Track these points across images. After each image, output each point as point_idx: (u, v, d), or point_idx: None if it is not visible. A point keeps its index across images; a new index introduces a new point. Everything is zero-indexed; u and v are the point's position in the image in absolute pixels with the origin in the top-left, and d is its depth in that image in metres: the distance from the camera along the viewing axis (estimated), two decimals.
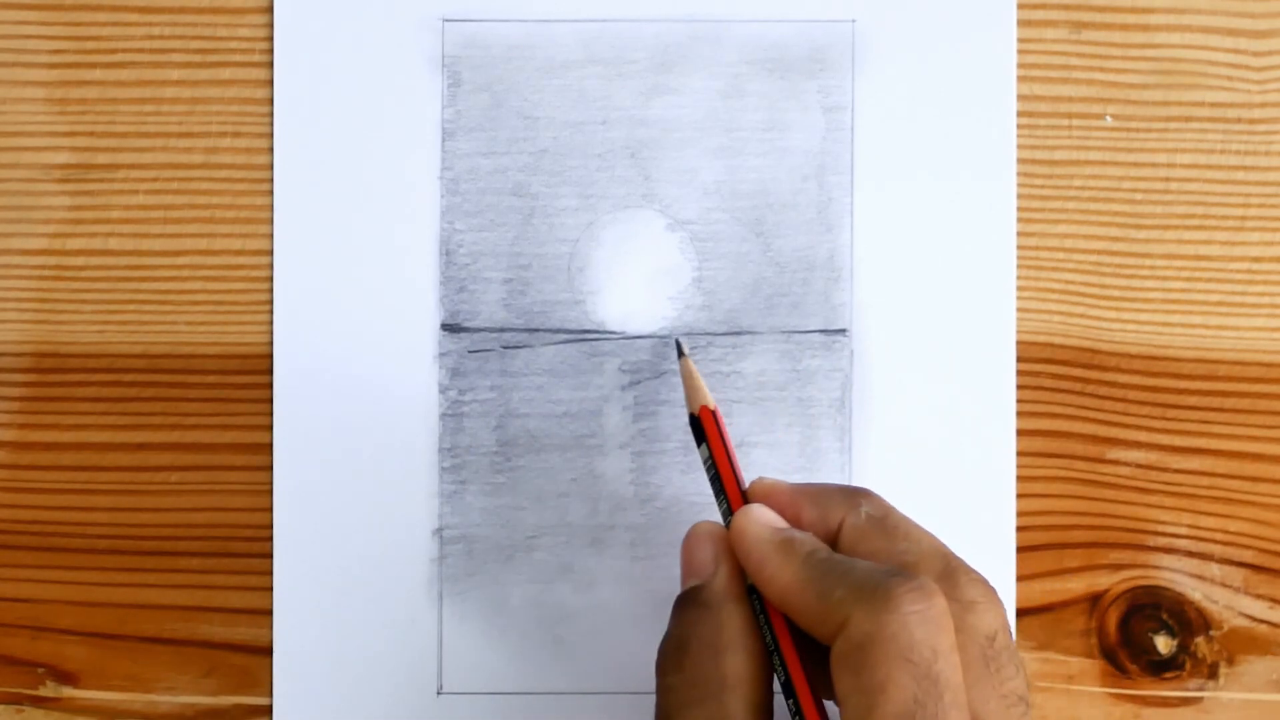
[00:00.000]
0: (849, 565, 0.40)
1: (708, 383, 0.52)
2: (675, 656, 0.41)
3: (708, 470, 0.45)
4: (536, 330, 0.52)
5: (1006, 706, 0.40)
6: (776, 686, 0.42)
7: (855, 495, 0.44)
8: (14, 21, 0.52)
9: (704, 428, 0.46)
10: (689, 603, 0.42)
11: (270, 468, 0.52)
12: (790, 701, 0.41)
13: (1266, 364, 0.52)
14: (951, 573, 0.41)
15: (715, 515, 0.52)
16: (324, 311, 0.52)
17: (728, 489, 0.45)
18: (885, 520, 0.43)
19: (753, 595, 0.42)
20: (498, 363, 0.52)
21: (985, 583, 0.41)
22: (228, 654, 0.52)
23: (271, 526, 0.52)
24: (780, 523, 0.43)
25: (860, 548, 0.42)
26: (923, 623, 0.38)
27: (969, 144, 0.52)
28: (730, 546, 0.43)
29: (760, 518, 0.42)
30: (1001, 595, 0.51)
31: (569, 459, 0.52)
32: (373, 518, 0.52)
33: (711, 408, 0.46)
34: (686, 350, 0.48)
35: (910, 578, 0.39)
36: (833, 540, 0.43)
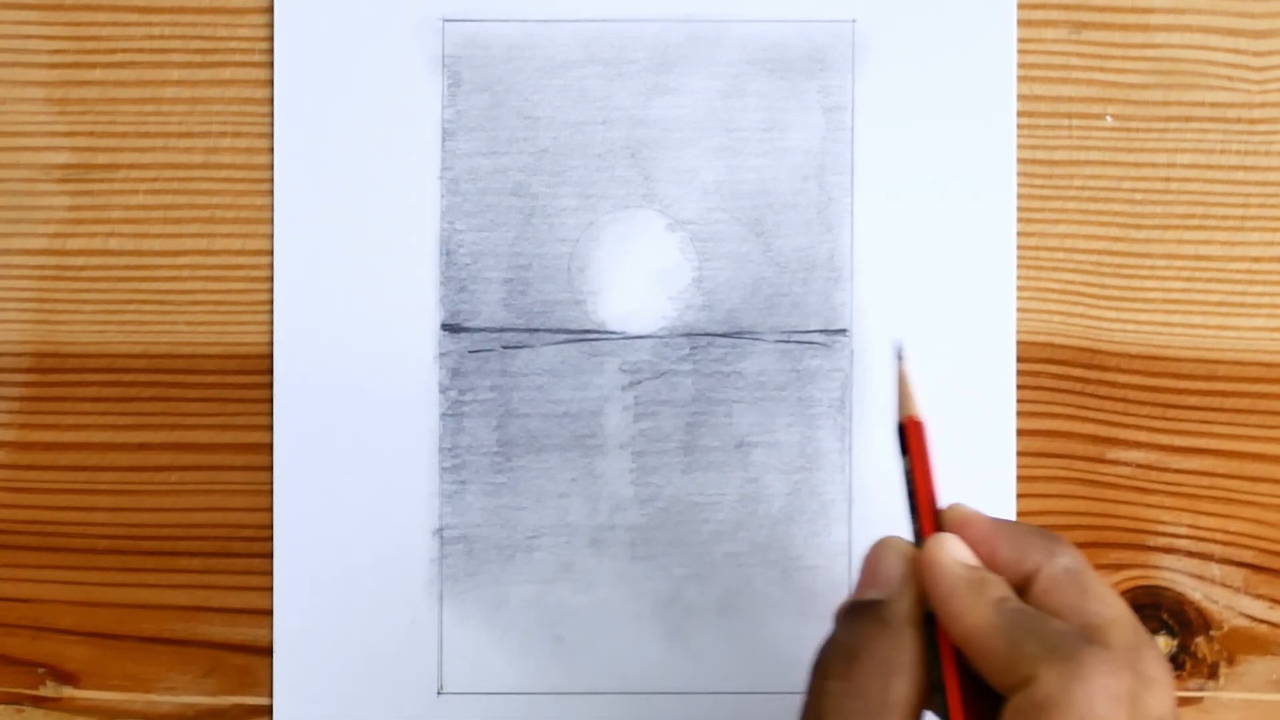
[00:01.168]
0: (1043, 620, 0.40)
1: (709, 383, 0.52)
2: (843, 664, 0.41)
3: (906, 483, 0.44)
4: (537, 330, 0.52)
5: None
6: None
7: (1053, 543, 0.43)
8: (14, 21, 0.52)
9: (908, 439, 0.44)
10: (867, 615, 0.41)
11: (270, 468, 0.52)
12: None
13: (1266, 364, 0.52)
14: (1138, 646, 0.40)
15: (722, 518, 0.52)
16: (324, 311, 0.52)
17: (923, 509, 0.43)
18: (1081, 576, 0.42)
19: (929, 626, 0.42)
20: (498, 363, 0.52)
21: (1165, 660, 0.41)
22: (228, 654, 0.52)
23: (271, 526, 0.52)
24: (973, 559, 0.42)
25: (1051, 599, 0.41)
26: (1109, 699, 0.38)
27: (969, 144, 0.52)
28: (917, 569, 0.42)
29: (953, 550, 0.42)
30: None
31: (569, 459, 0.52)
32: (373, 518, 0.52)
33: (919, 419, 0.44)
34: (905, 355, 0.47)
35: (1105, 648, 0.39)
36: (1023, 584, 0.42)
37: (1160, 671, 0.40)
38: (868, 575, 0.42)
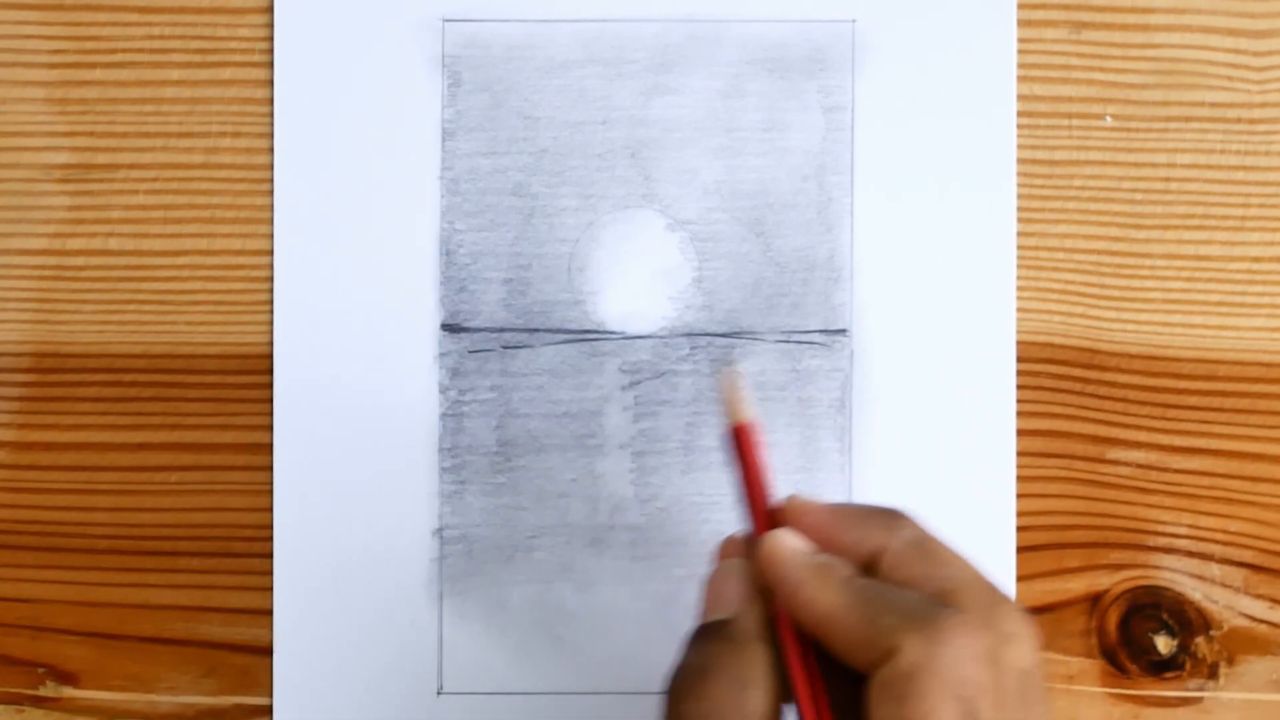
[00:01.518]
0: (896, 593, 0.40)
1: (709, 383, 0.52)
2: (696, 685, 0.40)
3: (737, 488, 0.44)
4: (536, 330, 0.52)
5: None
6: None
7: (893, 518, 0.42)
8: (14, 21, 0.52)
9: (740, 444, 0.43)
10: (714, 636, 0.41)
11: (270, 468, 0.52)
12: None
13: (1266, 364, 0.52)
14: (994, 604, 0.40)
15: (721, 518, 0.52)
16: (324, 311, 0.52)
17: (756, 511, 0.43)
18: (925, 545, 0.42)
19: (774, 630, 0.41)
20: (498, 363, 0.52)
21: (1023, 614, 0.41)
22: (228, 654, 0.52)
23: (271, 526, 0.52)
24: (810, 547, 0.42)
25: (900, 573, 0.41)
26: (973, 658, 0.38)
27: (969, 144, 0.52)
28: (757, 583, 0.42)
29: (791, 542, 0.42)
30: None
31: (569, 459, 0.52)
32: (373, 518, 0.52)
33: (749, 422, 0.43)
34: (734, 362, 0.47)
35: (963, 609, 0.39)
36: (869, 564, 0.42)
37: (1019, 626, 0.40)
38: (710, 599, 0.42)
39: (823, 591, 0.40)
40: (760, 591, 0.42)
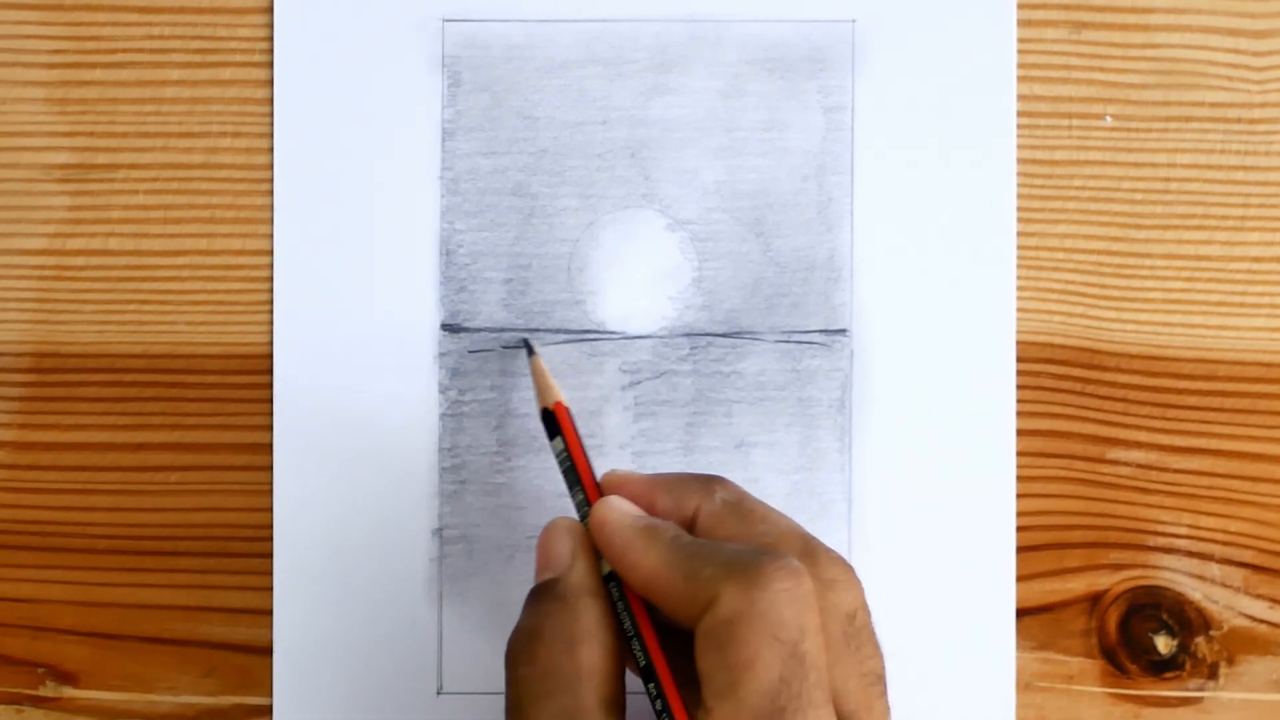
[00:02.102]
0: (716, 546, 0.41)
1: (709, 383, 0.52)
2: (527, 647, 0.41)
3: (561, 465, 0.46)
4: (536, 330, 0.52)
5: (866, 685, 0.41)
6: (631, 683, 0.42)
7: (710, 482, 0.44)
8: (14, 21, 0.52)
9: (558, 422, 0.46)
10: (543, 595, 0.42)
11: (270, 468, 0.52)
12: (650, 686, 0.41)
13: (1266, 364, 0.52)
14: (811, 552, 0.41)
15: None
16: (324, 311, 0.52)
17: (584, 481, 0.45)
18: (741, 505, 0.43)
19: (610, 584, 0.43)
20: (498, 363, 0.52)
21: (844, 562, 0.42)
22: (228, 654, 0.52)
23: (271, 526, 0.52)
24: (639, 512, 0.43)
25: (718, 533, 0.42)
26: (792, 601, 0.38)
27: (969, 144, 0.52)
28: (587, 541, 0.43)
29: (620, 506, 0.43)
30: (1002, 595, 0.52)
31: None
32: (373, 518, 0.52)
33: (565, 403, 0.47)
34: (537, 349, 0.49)
35: (779, 556, 0.39)
36: (689, 527, 0.43)
37: (840, 572, 0.41)
38: (540, 560, 0.43)
39: (648, 552, 0.41)
40: (590, 549, 0.43)
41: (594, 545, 0.43)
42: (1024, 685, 0.52)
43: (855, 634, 0.41)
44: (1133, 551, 0.52)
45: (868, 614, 0.41)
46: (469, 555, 0.52)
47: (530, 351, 0.49)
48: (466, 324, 0.52)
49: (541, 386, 0.48)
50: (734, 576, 0.39)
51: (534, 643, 0.41)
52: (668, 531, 0.42)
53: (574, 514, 0.45)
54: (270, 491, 0.52)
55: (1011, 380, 0.52)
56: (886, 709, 0.41)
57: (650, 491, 0.44)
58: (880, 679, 0.41)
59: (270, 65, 0.52)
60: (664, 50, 0.52)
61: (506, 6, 0.52)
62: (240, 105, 0.52)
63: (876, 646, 0.41)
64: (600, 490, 0.45)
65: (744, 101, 0.52)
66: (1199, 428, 0.52)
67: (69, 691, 0.52)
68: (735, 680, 0.38)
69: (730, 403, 0.52)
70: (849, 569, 0.42)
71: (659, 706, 0.41)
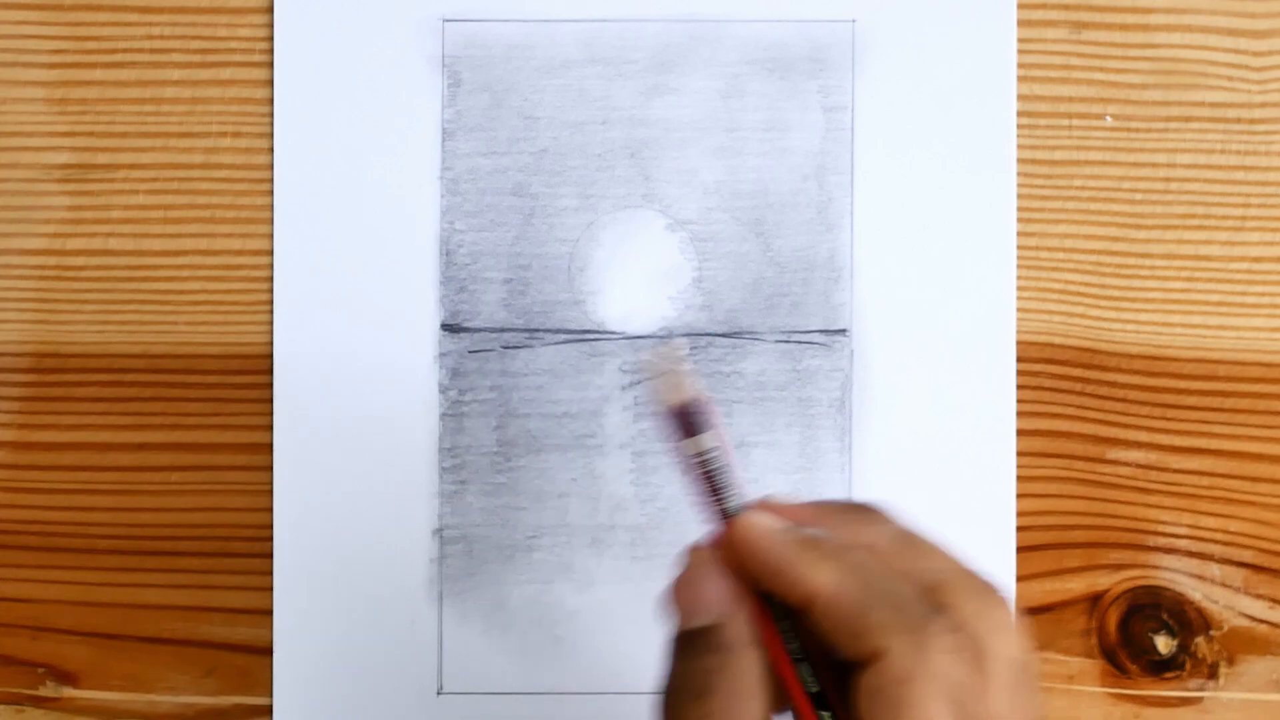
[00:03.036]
0: (889, 582, 0.39)
1: (709, 383, 0.52)
2: (694, 703, 0.39)
3: (700, 471, 0.40)
4: (536, 330, 0.52)
5: None
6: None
7: (873, 513, 0.41)
8: (14, 21, 0.52)
9: (702, 418, 0.39)
10: (703, 646, 0.40)
11: (270, 468, 0.52)
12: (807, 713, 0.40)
13: (1266, 364, 0.52)
14: (980, 596, 0.40)
15: None
16: (324, 311, 0.52)
17: (726, 491, 0.40)
18: (909, 539, 0.41)
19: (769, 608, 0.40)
20: (498, 363, 0.52)
21: (1006, 602, 0.40)
22: (228, 654, 0.52)
23: (271, 526, 0.52)
24: (789, 523, 0.40)
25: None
26: (965, 663, 0.38)
27: (969, 144, 0.52)
28: (739, 581, 0.40)
29: (767, 518, 0.40)
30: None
31: (569, 459, 0.52)
32: (373, 518, 0.52)
33: (697, 400, 0.40)
34: (675, 342, 0.46)
35: (950, 610, 0.38)
36: None
37: (1005, 617, 0.40)
38: (686, 602, 0.40)
39: (814, 568, 0.39)
40: (741, 594, 0.40)
41: (743, 571, 0.40)
42: None
43: (1018, 681, 0.39)
44: (1133, 551, 0.52)
45: (1030, 659, 0.40)
46: (469, 555, 0.52)
47: (665, 346, 0.42)
48: (466, 324, 0.52)
49: (684, 378, 0.40)
50: (908, 631, 0.38)
51: (702, 699, 0.39)
52: (832, 543, 0.39)
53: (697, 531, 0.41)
54: (270, 491, 0.52)
55: (1011, 380, 0.52)
56: None
57: (810, 520, 0.40)
58: None
59: (270, 65, 0.52)
60: (664, 50, 0.52)
61: (506, 6, 0.52)
62: (240, 105, 0.52)
63: (1036, 691, 0.40)
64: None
65: (744, 101, 0.52)
66: (1199, 428, 0.52)
67: (69, 691, 0.52)
68: None
69: (730, 403, 0.52)
70: (1009, 610, 0.40)
71: None
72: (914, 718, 0.37)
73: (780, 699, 0.40)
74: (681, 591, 0.40)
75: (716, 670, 0.40)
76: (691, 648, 0.40)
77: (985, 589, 0.40)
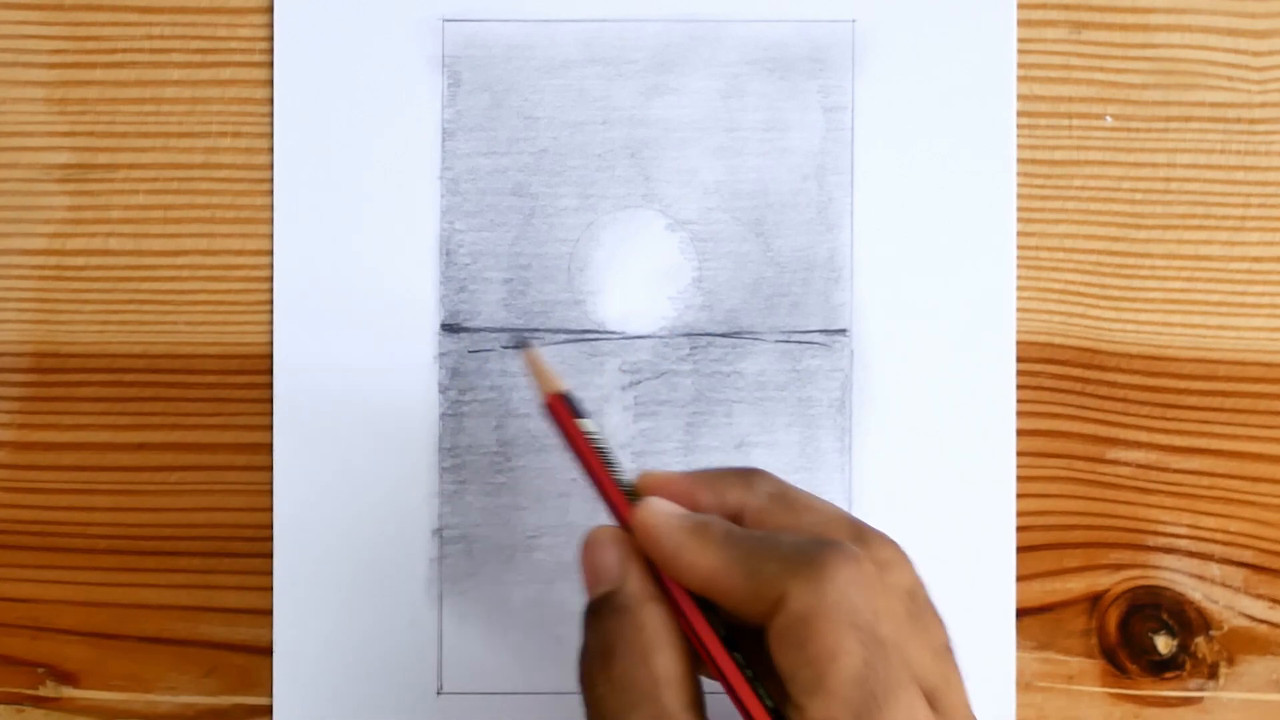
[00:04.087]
0: (772, 540, 0.40)
1: (709, 383, 0.52)
2: (602, 665, 0.40)
3: (590, 451, 0.43)
4: (537, 330, 0.52)
5: (939, 658, 0.40)
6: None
7: (750, 475, 0.43)
8: (14, 21, 0.52)
9: (558, 416, 0.44)
10: (604, 610, 0.41)
11: (270, 468, 0.52)
12: (724, 685, 0.41)
13: (1266, 364, 0.52)
14: (861, 535, 0.41)
15: None
16: (324, 311, 0.52)
17: (602, 482, 0.43)
18: (785, 495, 0.42)
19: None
20: (498, 363, 0.52)
21: (893, 542, 0.42)
22: (228, 654, 0.52)
23: (271, 526, 0.52)
24: (683, 510, 0.42)
25: (766, 526, 0.42)
26: (860, 587, 0.38)
27: (969, 144, 0.52)
28: (634, 547, 0.42)
29: (664, 506, 0.42)
30: (1002, 595, 0.52)
31: (569, 459, 0.52)
32: (373, 518, 0.52)
33: (563, 393, 0.44)
34: (532, 342, 0.48)
35: (838, 544, 0.39)
36: (733, 522, 0.42)
37: (892, 552, 0.41)
38: (589, 574, 0.42)
39: (702, 552, 0.40)
40: (639, 555, 0.42)
41: (642, 550, 0.42)
42: (1024, 685, 0.52)
43: (919, 611, 0.41)
44: (1133, 551, 0.52)
45: (925, 588, 0.41)
46: (469, 555, 0.52)
47: (526, 346, 0.46)
48: (466, 324, 0.52)
49: (550, 377, 0.45)
50: (798, 571, 0.38)
51: (607, 660, 0.40)
52: (719, 527, 0.41)
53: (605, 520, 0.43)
54: (270, 491, 0.52)
55: (1011, 380, 0.52)
56: (960, 677, 0.41)
57: (691, 489, 0.43)
58: (949, 650, 0.41)
59: (270, 65, 0.52)
60: (664, 50, 0.52)
61: (506, 6, 0.52)
62: (240, 105, 0.52)
63: (940, 619, 0.41)
64: (637, 494, 0.43)
65: (744, 101, 0.52)
66: (1199, 428, 0.52)
67: (69, 691, 0.52)
68: (821, 674, 0.37)
69: (730, 403, 0.52)
70: (899, 548, 0.41)
71: (737, 703, 0.40)
72: (822, 648, 0.38)
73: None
74: (583, 566, 0.42)
75: (617, 630, 0.41)
76: (596, 614, 0.41)
77: (868, 530, 0.42)
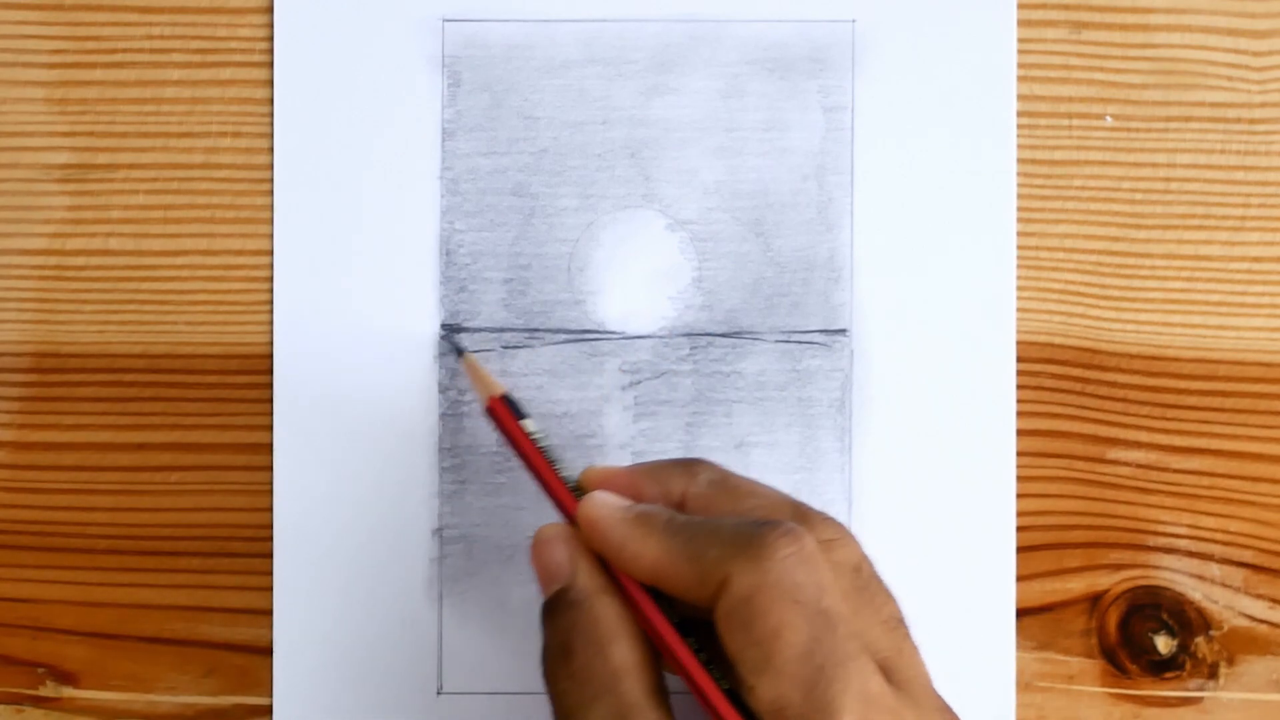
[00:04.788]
0: (714, 524, 0.41)
1: (709, 383, 0.52)
2: (561, 660, 0.41)
3: (534, 451, 0.45)
4: (536, 330, 0.52)
5: (890, 630, 0.41)
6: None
7: (691, 464, 0.44)
8: (14, 21, 0.52)
9: (502, 419, 0.45)
10: (559, 606, 0.42)
11: (270, 468, 0.52)
12: (681, 673, 0.41)
13: (1266, 364, 0.52)
14: (803, 516, 0.42)
15: None
16: (324, 311, 0.52)
17: (545, 478, 0.44)
18: (726, 482, 0.43)
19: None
20: (498, 363, 0.52)
21: (836, 521, 0.42)
22: (228, 654, 0.52)
23: (271, 526, 0.52)
24: (626, 502, 0.42)
25: (708, 513, 0.42)
26: (801, 563, 0.39)
27: (969, 144, 0.52)
28: (582, 542, 0.42)
29: (607, 500, 0.42)
30: (1002, 595, 0.52)
31: (569, 459, 0.52)
32: (373, 518, 0.52)
33: (509, 396, 0.46)
34: (466, 349, 0.49)
35: (778, 523, 0.39)
36: (678, 511, 0.43)
37: (835, 530, 0.41)
38: (541, 573, 0.43)
39: (647, 542, 0.41)
40: (587, 549, 0.42)
41: (590, 545, 0.43)
42: (1024, 685, 0.52)
43: (865, 585, 0.41)
44: (1133, 551, 0.52)
45: (871, 564, 0.42)
46: (469, 555, 0.52)
47: (460, 352, 0.49)
48: (466, 324, 0.52)
49: (489, 383, 0.47)
50: (740, 553, 0.39)
51: (566, 655, 0.41)
52: (661, 516, 0.41)
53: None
54: (270, 491, 0.52)
55: (1011, 380, 0.52)
56: (915, 648, 0.41)
57: (634, 482, 0.43)
58: (901, 621, 0.41)
59: (270, 65, 0.52)
60: (664, 50, 0.52)
61: (506, 6, 0.52)
62: (240, 105, 0.52)
63: (889, 592, 0.42)
64: (581, 489, 0.44)
65: (744, 101, 0.52)
66: (1199, 428, 0.52)
67: (69, 691, 0.52)
68: (768, 652, 0.38)
69: (730, 403, 0.52)
70: (842, 526, 0.42)
71: (695, 690, 0.41)
72: (767, 625, 0.38)
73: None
74: (535, 565, 0.43)
75: (572, 625, 0.41)
76: (551, 612, 0.42)
77: (810, 511, 0.42)
